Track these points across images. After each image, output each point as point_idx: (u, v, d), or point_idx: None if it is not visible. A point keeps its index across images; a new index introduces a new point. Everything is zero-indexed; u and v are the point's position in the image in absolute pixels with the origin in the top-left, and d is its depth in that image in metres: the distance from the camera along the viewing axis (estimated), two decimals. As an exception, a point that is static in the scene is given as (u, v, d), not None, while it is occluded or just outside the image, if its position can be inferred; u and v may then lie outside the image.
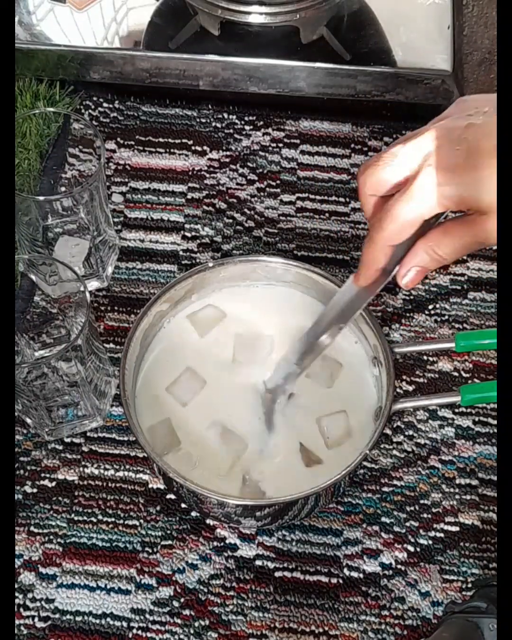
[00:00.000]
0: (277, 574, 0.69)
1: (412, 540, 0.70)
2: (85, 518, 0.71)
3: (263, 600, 0.68)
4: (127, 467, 0.73)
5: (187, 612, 0.67)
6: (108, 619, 0.67)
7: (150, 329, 0.73)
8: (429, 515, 0.71)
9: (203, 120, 0.93)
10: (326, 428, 0.70)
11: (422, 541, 0.70)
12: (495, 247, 0.84)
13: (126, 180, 0.89)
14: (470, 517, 0.71)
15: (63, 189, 0.85)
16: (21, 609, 0.67)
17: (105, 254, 0.81)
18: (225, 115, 0.94)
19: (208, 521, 0.71)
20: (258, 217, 0.87)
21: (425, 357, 0.78)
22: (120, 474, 0.73)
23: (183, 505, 0.71)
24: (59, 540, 0.70)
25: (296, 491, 0.64)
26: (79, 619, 0.67)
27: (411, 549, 0.70)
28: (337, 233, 0.86)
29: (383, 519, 0.71)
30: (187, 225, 0.86)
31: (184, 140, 0.92)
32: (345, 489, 0.71)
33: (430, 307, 0.81)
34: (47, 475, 0.73)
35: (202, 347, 0.74)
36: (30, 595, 0.68)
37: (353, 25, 0.93)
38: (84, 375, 0.69)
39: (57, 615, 0.67)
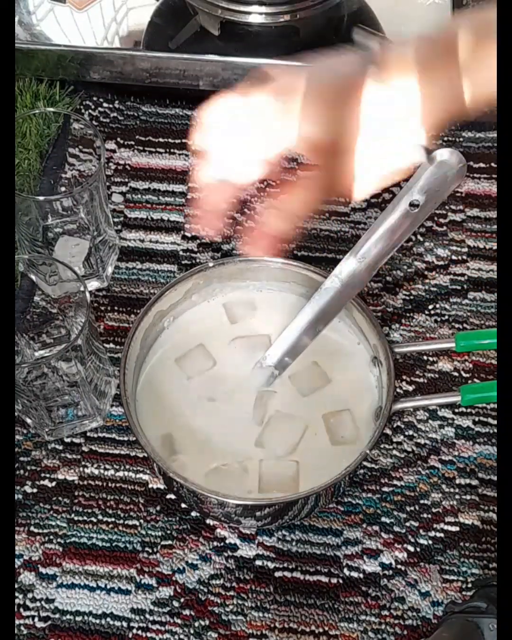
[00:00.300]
0: (277, 574, 0.69)
1: (412, 540, 0.70)
2: (85, 518, 0.71)
3: (263, 600, 0.68)
4: (127, 467, 0.73)
5: (187, 612, 0.67)
6: (108, 619, 0.67)
7: (150, 328, 0.73)
8: (429, 515, 0.71)
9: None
10: (333, 426, 0.70)
11: (422, 541, 0.70)
12: (494, 247, 0.85)
13: (126, 180, 0.89)
14: (470, 517, 0.71)
15: (63, 189, 0.85)
16: (21, 609, 0.67)
17: (105, 254, 0.81)
18: (226, 115, 0.93)
19: (208, 521, 0.70)
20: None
21: (425, 357, 0.78)
22: (120, 474, 0.73)
23: (183, 505, 0.71)
24: (59, 540, 0.70)
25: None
26: (79, 619, 0.67)
27: (411, 549, 0.70)
28: (337, 233, 0.86)
29: (383, 519, 0.71)
30: (187, 225, 0.86)
31: (184, 140, 0.92)
32: (345, 489, 0.71)
33: (430, 307, 0.81)
34: (47, 475, 0.73)
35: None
36: (30, 595, 0.68)
37: (353, 25, 0.93)
38: (84, 375, 0.69)
39: (57, 615, 0.67)
